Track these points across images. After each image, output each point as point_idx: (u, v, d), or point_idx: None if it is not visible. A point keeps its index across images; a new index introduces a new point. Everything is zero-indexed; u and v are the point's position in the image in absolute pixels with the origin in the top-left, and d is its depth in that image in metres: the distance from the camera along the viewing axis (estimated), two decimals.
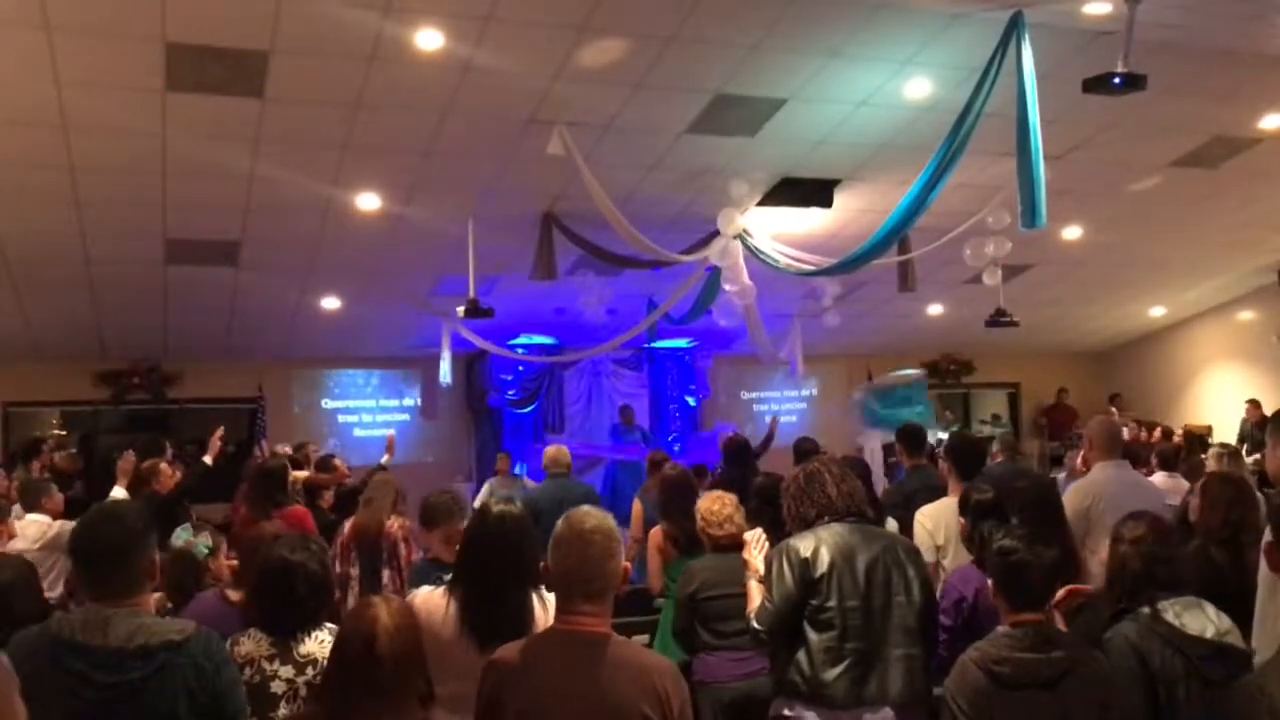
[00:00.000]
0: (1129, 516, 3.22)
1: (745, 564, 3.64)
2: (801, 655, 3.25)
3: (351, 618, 2.22)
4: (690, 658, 4.16)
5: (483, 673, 2.42)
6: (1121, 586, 3.06)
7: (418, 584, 3.42)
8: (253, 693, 2.72)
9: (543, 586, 3.04)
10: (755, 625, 3.35)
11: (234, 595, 3.56)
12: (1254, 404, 11.60)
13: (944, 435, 9.13)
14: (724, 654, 3.99)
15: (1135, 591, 3.03)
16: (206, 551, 4.68)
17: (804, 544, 3.33)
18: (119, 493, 6.04)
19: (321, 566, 2.99)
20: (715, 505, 4.30)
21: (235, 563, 4.64)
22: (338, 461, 8.68)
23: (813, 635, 3.25)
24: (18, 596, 3.21)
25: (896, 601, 3.30)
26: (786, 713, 3.28)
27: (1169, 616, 2.95)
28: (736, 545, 4.23)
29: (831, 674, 3.20)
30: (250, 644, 2.87)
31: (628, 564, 2.54)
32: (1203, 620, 2.96)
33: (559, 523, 2.52)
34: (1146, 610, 2.98)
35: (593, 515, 2.51)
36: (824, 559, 3.28)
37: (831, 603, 3.25)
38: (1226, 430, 12.03)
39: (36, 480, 6.68)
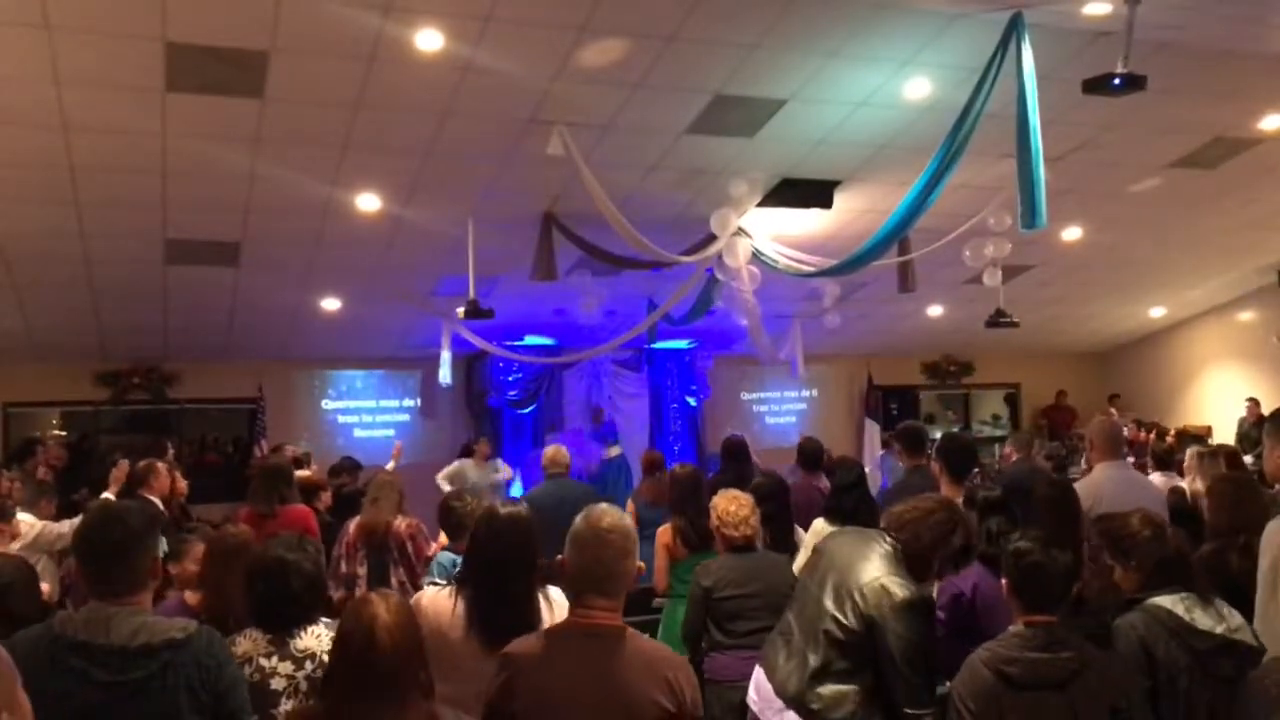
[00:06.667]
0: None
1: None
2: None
3: (351, 615, 2.21)
4: (699, 657, 4.13)
5: (498, 664, 2.45)
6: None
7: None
8: (253, 691, 2.72)
9: (548, 586, 3.06)
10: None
11: (192, 599, 3.56)
12: (1254, 403, 11.60)
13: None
14: (735, 653, 3.97)
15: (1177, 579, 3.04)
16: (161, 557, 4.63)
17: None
18: (109, 498, 6.01)
19: (315, 565, 3.03)
20: (732, 506, 4.25)
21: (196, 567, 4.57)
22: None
23: None
24: (16, 597, 3.22)
25: None
26: None
27: (1179, 610, 2.97)
28: (750, 546, 4.23)
29: None
30: (247, 643, 2.89)
31: (641, 563, 2.56)
32: (1214, 616, 2.97)
33: (577, 520, 2.55)
34: (1155, 601, 2.99)
35: (610, 514, 2.54)
36: None
37: None
38: (1226, 431, 12.04)
39: (42, 481, 6.65)
